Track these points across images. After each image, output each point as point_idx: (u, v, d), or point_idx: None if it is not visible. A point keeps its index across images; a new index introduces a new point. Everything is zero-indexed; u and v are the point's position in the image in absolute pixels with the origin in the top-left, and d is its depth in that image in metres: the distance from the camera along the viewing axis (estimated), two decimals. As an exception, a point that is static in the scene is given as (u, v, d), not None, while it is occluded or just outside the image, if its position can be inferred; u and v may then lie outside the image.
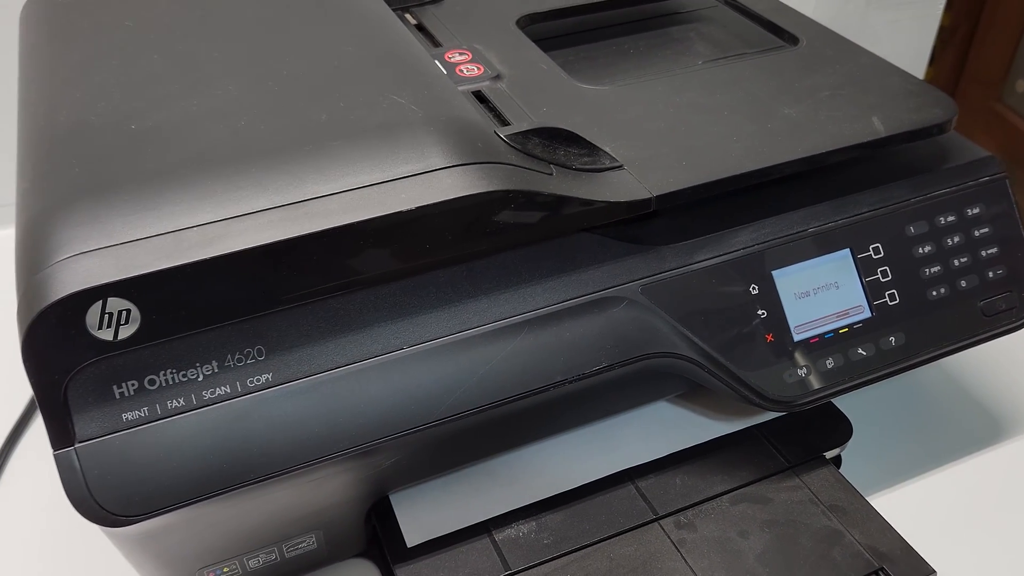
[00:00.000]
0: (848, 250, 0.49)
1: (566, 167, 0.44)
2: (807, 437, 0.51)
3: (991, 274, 0.51)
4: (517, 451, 0.51)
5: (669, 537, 0.46)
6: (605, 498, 0.48)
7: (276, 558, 0.46)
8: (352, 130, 0.42)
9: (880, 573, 0.44)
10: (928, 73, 1.48)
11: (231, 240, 0.36)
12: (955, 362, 0.63)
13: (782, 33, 0.60)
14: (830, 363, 0.48)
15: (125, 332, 0.36)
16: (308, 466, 0.39)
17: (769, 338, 0.47)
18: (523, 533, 0.46)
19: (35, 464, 0.58)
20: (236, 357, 0.39)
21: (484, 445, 0.48)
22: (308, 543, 0.46)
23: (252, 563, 0.45)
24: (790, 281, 0.48)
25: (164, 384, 0.38)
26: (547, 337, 0.43)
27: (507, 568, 0.45)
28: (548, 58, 0.55)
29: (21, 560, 0.53)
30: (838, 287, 0.49)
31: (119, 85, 0.45)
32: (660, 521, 0.47)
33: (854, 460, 0.54)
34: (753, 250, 0.47)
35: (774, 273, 0.47)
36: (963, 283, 0.51)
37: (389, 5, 0.57)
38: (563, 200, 0.42)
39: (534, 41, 0.57)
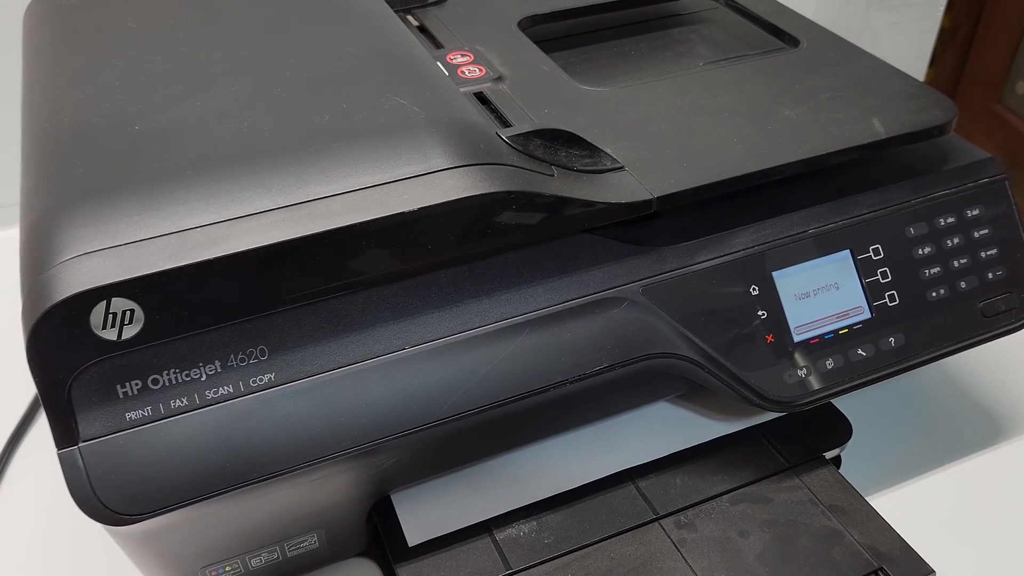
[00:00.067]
0: (848, 251, 0.49)
1: (567, 168, 0.44)
2: (807, 437, 0.51)
3: (991, 275, 0.51)
4: (518, 451, 0.51)
5: (669, 537, 0.46)
6: (606, 498, 0.48)
7: (278, 557, 0.46)
8: (355, 131, 0.42)
9: (879, 573, 0.44)
10: (928, 75, 1.48)
11: (234, 241, 0.36)
12: (955, 363, 0.63)
13: (783, 35, 0.60)
14: (830, 364, 0.48)
15: (129, 332, 0.36)
16: (310, 465, 0.39)
17: (769, 339, 0.47)
18: (524, 533, 0.46)
19: (38, 463, 0.58)
20: (239, 357, 0.39)
21: (485, 445, 0.48)
22: (310, 542, 0.46)
23: (254, 562, 0.45)
24: (790, 282, 0.48)
25: (167, 384, 0.38)
26: (548, 337, 0.43)
27: (508, 567, 0.45)
28: (549, 60, 0.56)
29: (24, 559, 0.53)
30: (838, 288, 0.49)
31: (123, 86, 0.45)
32: (660, 521, 0.47)
33: (854, 460, 0.54)
34: (753, 251, 0.47)
35: (774, 274, 0.48)
36: (963, 284, 0.51)
37: (391, 7, 0.57)
38: (564, 201, 0.42)
39: (535, 43, 0.58)
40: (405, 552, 0.46)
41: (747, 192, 0.47)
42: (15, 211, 0.42)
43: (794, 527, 0.47)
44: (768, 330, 0.47)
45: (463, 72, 0.53)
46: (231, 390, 0.39)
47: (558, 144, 0.46)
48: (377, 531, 0.48)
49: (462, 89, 0.51)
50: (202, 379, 0.38)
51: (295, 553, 0.46)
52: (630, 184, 0.44)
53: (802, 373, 0.47)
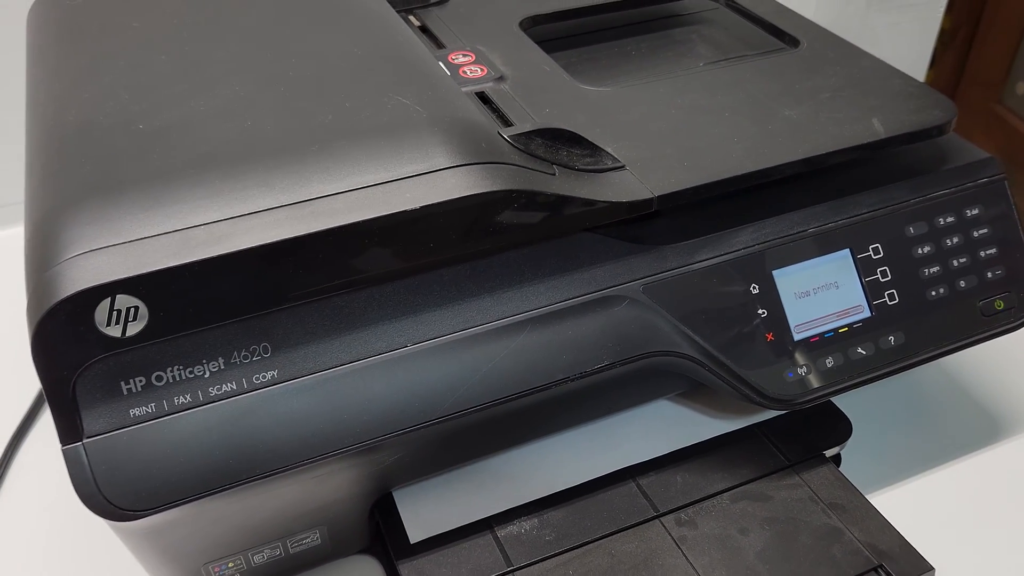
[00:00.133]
0: (848, 250, 0.49)
1: (568, 167, 0.44)
2: (807, 435, 0.52)
3: (990, 274, 0.52)
4: (519, 448, 0.51)
5: (670, 534, 0.46)
6: (606, 495, 0.48)
7: (280, 553, 0.46)
8: (357, 130, 0.42)
9: (879, 570, 0.45)
10: (928, 75, 1.48)
11: (238, 238, 0.37)
12: (954, 361, 0.63)
13: (783, 35, 0.60)
14: (830, 362, 0.48)
15: (133, 329, 0.36)
16: (313, 462, 0.39)
17: (769, 337, 0.47)
18: (525, 530, 0.47)
19: (42, 459, 0.59)
20: (242, 354, 0.39)
21: (487, 442, 0.49)
22: (312, 539, 0.46)
23: (257, 558, 0.45)
24: (790, 281, 0.48)
25: (171, 380, 0.38)
26: (549, 335, 0.43)
27: (509, 564, 0.45)
28: (551, 59, 0.56)
29: (27, 554, 0.53)
30: (838, 287, 0.49)
31: (127, 85, 0.46)
32: (661, 518, 0.47)
33: (854, 458, 0.54)
34: (754, 250, 0.48)
35: (774, 273, 0.48)
36: (962, 283, 0.51)
37: (393, 7, 0.57)
38: (565, 200, 0.42)
39: (537, 43, 0.58)
40: (407, 549, 0.46)
41: (747, 191, 0.48)
42: (18, 210, 0.43)
43: (794, 525, 0.47)
44: (768, 329, 0.47)
45: (465, 72, 0.54)
46: (234, 387, 0.39)
47: (559, 143, 0.46)
48: (379, 528, 0.48)
49: (464, 89, 0.51)
50: (205, 376, 0.38)
51: (297, 549, 0.46)
52: (631, 183, 0.45)
53: (802, 371, 0.48)
